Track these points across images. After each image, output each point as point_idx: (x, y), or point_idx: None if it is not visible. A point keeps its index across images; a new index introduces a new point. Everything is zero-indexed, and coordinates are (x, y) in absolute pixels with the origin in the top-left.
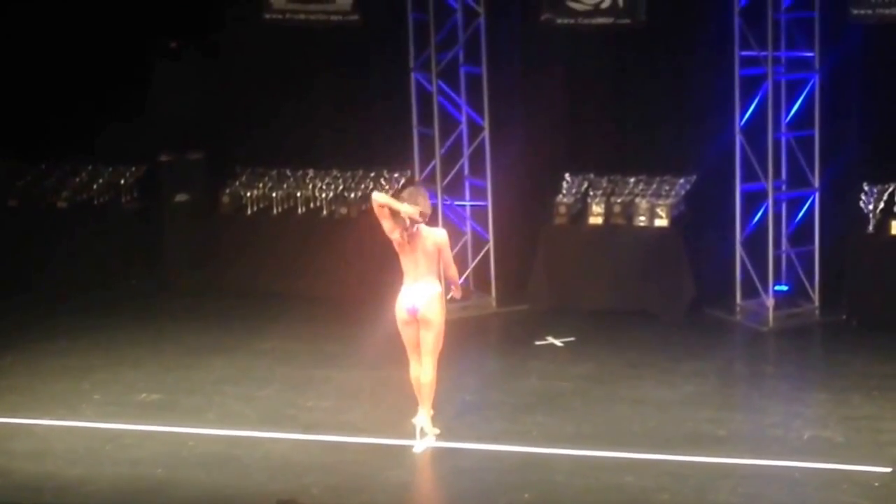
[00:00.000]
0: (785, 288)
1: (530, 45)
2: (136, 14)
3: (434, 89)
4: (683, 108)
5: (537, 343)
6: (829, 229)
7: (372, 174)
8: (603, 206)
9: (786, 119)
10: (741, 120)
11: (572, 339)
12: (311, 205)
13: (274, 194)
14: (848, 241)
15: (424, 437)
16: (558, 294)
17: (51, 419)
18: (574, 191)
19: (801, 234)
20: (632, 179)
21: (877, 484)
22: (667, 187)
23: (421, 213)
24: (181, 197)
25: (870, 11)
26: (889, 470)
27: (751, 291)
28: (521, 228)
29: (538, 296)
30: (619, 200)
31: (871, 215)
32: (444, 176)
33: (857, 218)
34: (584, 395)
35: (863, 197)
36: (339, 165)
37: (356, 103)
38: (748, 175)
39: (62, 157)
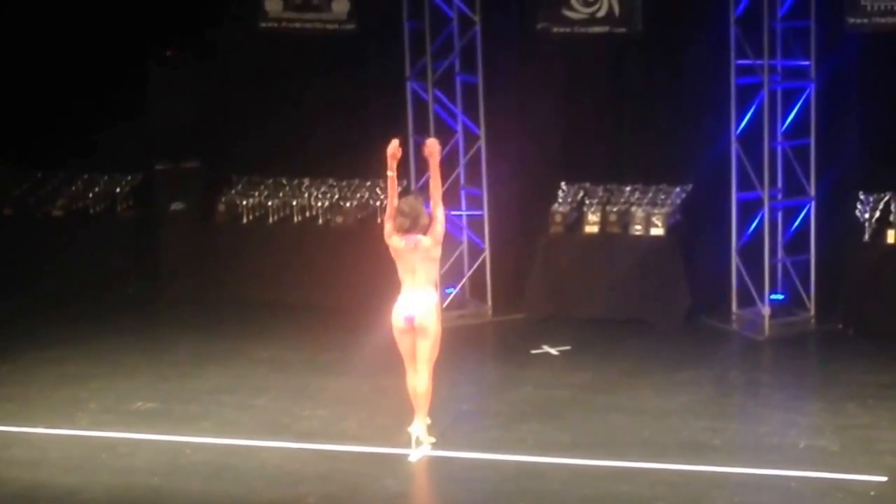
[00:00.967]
0: (781, 297)
1: (526, 54)
2: (133, 22)
3: (430, 98)
4: (679, 117)
5: (533, 352)
6: (825, 238)
7: (368, 183)
8: (599, 214)
9: (782, 128)
10: (737, 128)
11: (568, 347)
12: (307, 213)
13: (270, 203)
14: (844, 250)
15: (420, 445)
16: (554, 303)
17: (46, 428)
18: (570, 200)
19: (797, 243)
20: (628, 188)
21: (872, 493)
22: (663, 196)
23: (413, 223)
24: (177, 205)
25: (866, 20)
26: (885, 479)
27: (747, 300)
28: (518, 237)
29: (534, 304)
30: (615, 209)
31: (867, 224)
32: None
33: (853, 227)
34: (580, 404)
35: (859, 206)
36: (335, 174)
37: (352, 112)
38: (744, 184)
39: (58, 166)
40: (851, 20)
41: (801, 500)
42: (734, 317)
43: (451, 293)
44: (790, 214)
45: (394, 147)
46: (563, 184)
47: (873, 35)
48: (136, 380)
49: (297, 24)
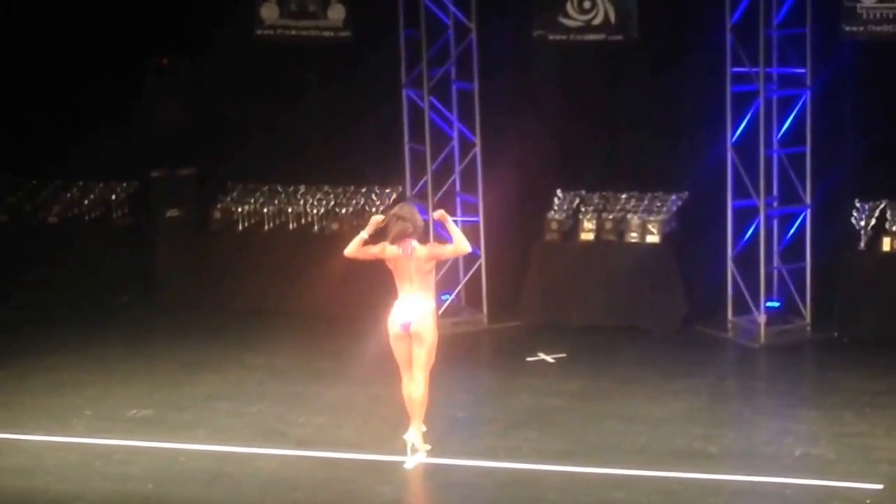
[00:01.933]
0: (776, 304)
1: (522, 62)
2: (128, 30)
3: (426, 105)
4: (675, 125)
5: (529, 359)
6: (821, 246)
7: (363, 190)
8: (594, 222)
9: (777, 135)
10: (733, 136)
11: (563, 355)
12: (303, 220)
13: (265, 210)
14: (839, 258)
15: (415, 453)
16: (550, 310)
17: (41, 435)
18: (566, 207)
19: (792, 251)
20: (623, 196)
21: (868, 501)
22: (658, 203)
23: (414, 227)
24: (172, 212)
25: (861, 28)
26: (880, 487)
27: (742, 308)
28: (513, 245)
29: (530, 312)
30: (610, 217)
31: (862, 232)
32: (435, 192)
33: (848, 234)
34: (575, 412)
35: (854, 213)
36: (331, 181)
37: (348, 119)
38: (740, 191)
39: (53, 173)
40: (847, 28)
41: None
42: (730, 324)
43: (446, 300)
44: (786, 222)
45: (377, 221)
46: (558, 191)
47: (869, 43)
48: (130, 387)
49: (293, 32)
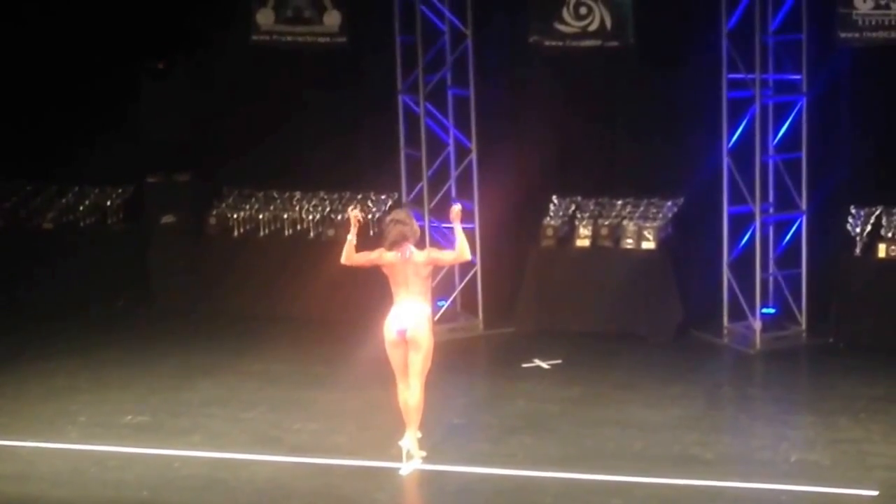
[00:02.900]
0: (772, 310)
1: (518, 68)
2: (124, 35)
3: (421, 111)
4: (671, 131)
5: (524, 365)
6: (817, 252)
7: (359, 196)
8: (590, 228)
9: (773, 141)
10: (729, 142)
11: (559, 361)
12: (298, 227)
13: (261, 216)
14: (835, 264)
15: (411, 459)
16: (546, 316)
17: (36, 441)
18: (561, 213)
19: (788, 257)
20: (619, 202)
21: None
22: (654, 210)
23: (411, 232)
24: (168, 218)
25: (857, 34)
26: (876, 493)
27: (738, 314)
28: (509, 251)
29: (525, 318)
30: (606, 223)
31: (858, 238)
32: (431, 198)
33: (844, 240)
34: (571, 418)
35: (850, 220)
36: (327, 187)
37: (343, 125)
38: (735, 197)
39: (48, 179)
40: (843, 34)
41: None
42: (725, 330)
43: (442, 306)
44: (781, 228)
45: (356, 216)
46: (554, 197)
47: (864, 49)
48: (126, 393)
49: (289, 38)
